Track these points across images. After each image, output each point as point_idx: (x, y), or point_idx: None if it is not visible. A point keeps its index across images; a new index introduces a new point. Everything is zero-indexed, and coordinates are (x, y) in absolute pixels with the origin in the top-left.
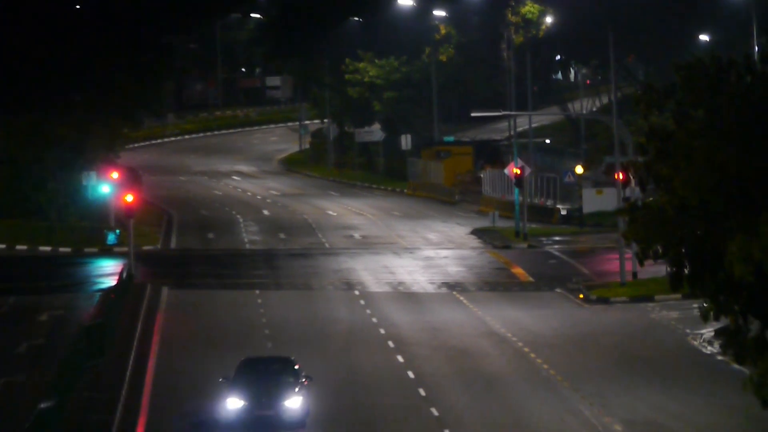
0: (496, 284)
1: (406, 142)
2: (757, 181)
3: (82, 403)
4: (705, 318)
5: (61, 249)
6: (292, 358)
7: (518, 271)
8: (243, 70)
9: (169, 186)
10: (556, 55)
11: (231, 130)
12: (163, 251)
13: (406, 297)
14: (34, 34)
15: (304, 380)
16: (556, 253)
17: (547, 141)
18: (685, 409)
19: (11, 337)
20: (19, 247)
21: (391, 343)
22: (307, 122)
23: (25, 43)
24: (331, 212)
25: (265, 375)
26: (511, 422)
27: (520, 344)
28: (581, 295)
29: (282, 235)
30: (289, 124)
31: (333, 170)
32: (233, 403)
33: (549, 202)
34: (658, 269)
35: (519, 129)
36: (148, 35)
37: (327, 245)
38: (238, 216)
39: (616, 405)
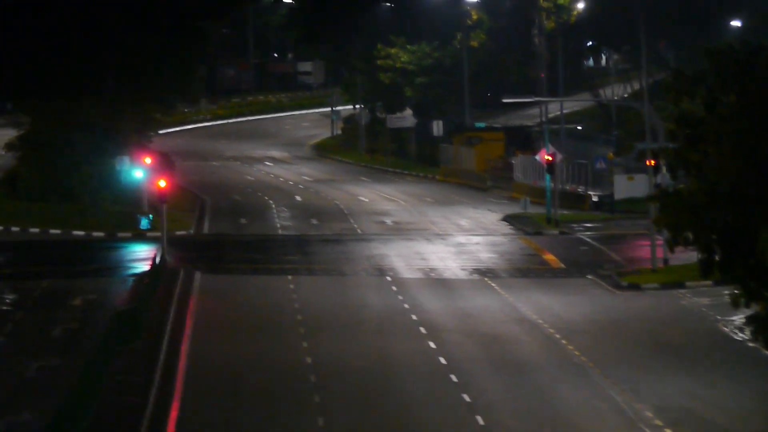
0: (528, 270)
1: (437, 127)
2: None
3: (116, 387)
4: (735, 304)
5: (95, 233)
6: None
7: (550, 257)
8: (275, 55)
9: (202, 171)
10: (588, 40)
11: (263, 116)
12: (196, 236)
13: (438, 283)
14: (66, 18)
15: None
16: (588, 240)
17: (579, 127)
18: (716, 395)
19: (45, 321)
20: (52, 231)
21: (422, 329)
22: (339, 108)
23: (57, 27)
24: (363, 198)
25: None
26: (542, 408)
27: (551, 330)
28: (612, 282)
29: (314, 221)
30: (321, 109)
31: (365, 156)
32: None
33: (580, 189)
34: (690, 256)
35: (550, 115)
36: (181, 19)
37: (359, 231)
38: (271, 201)
39: (647, 391)
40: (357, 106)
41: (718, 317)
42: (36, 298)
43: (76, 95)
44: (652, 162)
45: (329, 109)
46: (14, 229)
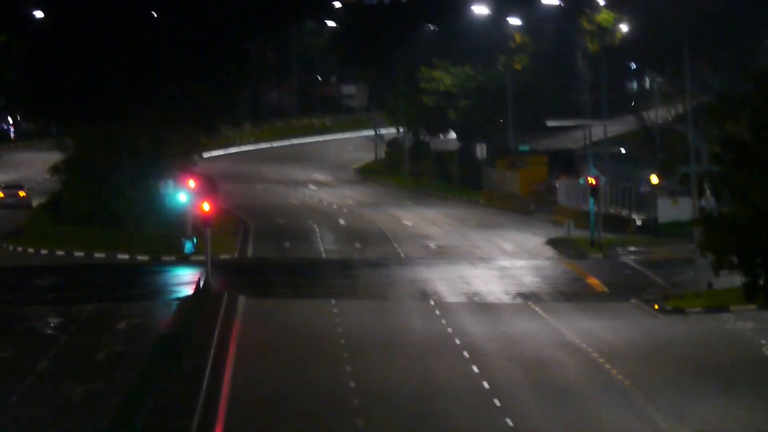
0: (572, 294)
1: (481, 150)
2: None
3: (160, 411)
4: None
5: (139, 257)
6: None
7: (593, 281)
8: (319, 78)
9: (246, 194)
10: (631, 63)
11: (307, 139)
12: (239, 260)
13: (482, 307)
14: (112, 43)
15: None
16: (632, 264)
17: (623, 150)
18: (760, 420)
19: (90, 344)
20: (97, 254)
21: (466, 353)
22: (382, 131)
23: (102, 52)
24: (406, 222)
25: None
26: None
27: (595, 355)
28: (656, 306)
29: (358, 245)
30: (365, 132)
31: (408, 179)
32: None
33: (624, 212)
34: (734, 279)
35: (594, 138)
36: (225, 43)
37: (403, 255)
38: (315, 225)
39: (692, 416)
40: (400, 129)
41: (763, 341)
42: (81, 322)
43: (121, 119)
44: (697, 185)
45: (373, 132)
46: (59, 252)
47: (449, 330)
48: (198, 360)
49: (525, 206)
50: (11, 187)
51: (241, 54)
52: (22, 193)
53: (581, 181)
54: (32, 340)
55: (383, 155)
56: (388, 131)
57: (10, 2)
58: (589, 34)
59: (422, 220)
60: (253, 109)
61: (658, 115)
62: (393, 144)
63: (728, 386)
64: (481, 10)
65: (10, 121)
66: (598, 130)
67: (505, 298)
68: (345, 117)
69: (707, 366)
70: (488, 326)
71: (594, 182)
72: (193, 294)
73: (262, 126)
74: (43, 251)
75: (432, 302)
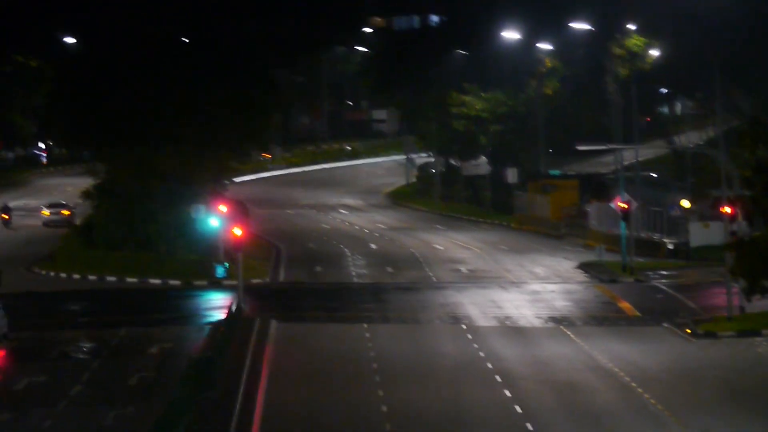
0: (603, 318)
1: (512, 175)
2: None
3: None
4: None
5: (171, 282)
6: None
7: (625, 305)
8: (349, 103)
9: (277, 219)
10: (662, 87)
11: (337, 163)
12: (271, 284)
13: (513, 331)
14: (143, 69)
15: None
16: (663, 288)
17: (653, 174)
18: None
19: (122, 369)
20: (129, 279)
21: (498, 377)
22: (413, 155)
23: (134, 77)
24: (438, 246)
25: None
26: None
27: (627, 379)
28: (688, 330)
29: (389, 269)
30: (396, 157)
31: (439, 204)
32: None
33: (656, 236)
34: (766, 303)
35: (625, 162)
36: (256, 69)
37: (434, 279)
38: (346, 249)
39: None
40: (431, 153)
41: None
42: (113, 347)
43: (152, 144)
44: (728, 209)
45: (403, 156)
46: (91, 277)
47: (481, 354)
48: (230, 384)
49: (556, 230)
50: (56, 206)
51: (271, 79)
52: (66, 212)
53: (612, 205)
54: (65, 365)
55: (414, 180)
56: (419, 156)
57: (42, 29)
58: (620, 59)
59: (453, 245)
60: (284, 134)
61: (689, 139)
62: (424, 168)
63: (761, 410)
64: (511, 35)
65: (43, 147)
66: (629, 155)
67: (537, 322)
68: (376, 142)
69: (740, 390)
70: (520, 350)
71: (625, 206)
72: (225, 318)
73: (293, 150)
74: (76, 276)
75: (464, 326)
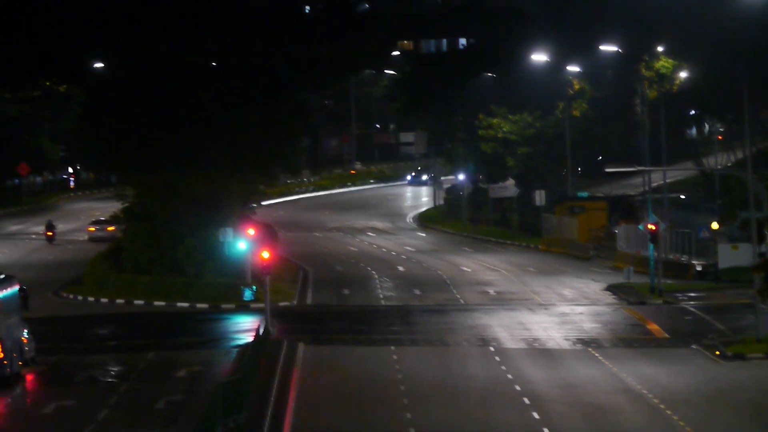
0: (632, 340)
1: (540, 197)
2: None
3: None
4: None
5: (199, 305)
6: None
7: (653, 327)
8: (377, 125)
9: (305, 242)
10: (690, 109)
11: (365, 186)
12: (299, 307)
13: (541, 353)
14: (171, 92)
15: None
16: (692, 309)
17: (682, 196)
18: None
19: (150, 392)
20: (157, 303)
21: (526, 400)
22: (441, 178)
23: (161, 101)
24: (465, 268)
25: None
26: None
27: (656, 401)
28: (717, 352)
29: (417, 291)
30: (423, 178)
31: (467, 226)
32: None
33: (684, 258)
34: None
35: (653, 184)
36: (284, 92)
37: (462, 301)
38: (373, 272)
39: None
40: (459, 176)
41: None
42: (141, 370)
43: (180, 168)
44: (757, 231)
45: (430, 178)
46: (119, 301)
47: (509, 376)
48: (258, 407)
49: (584, 252)
50: (101, 222)
51: (299, 103)
52: (111, 228)
53: (641, 227)
54: (93, 389)
55: (442, 202)
56: (447, 178)
57: (71, 54)
58: (648, 81)
59: (481, 267)
60: (312, 157)
61: (718, 160)
62: (452, 191)
63: None
64: (539, 58)
65: (70, 171)
66: (658, 176)
67: (565, 344)
68: (404, 164)
69: None
70: (548, 372)
71: (654, 228)
72: (252, 341)
73: (321, 173)
74: (103, 300)
75: (491, 348)
